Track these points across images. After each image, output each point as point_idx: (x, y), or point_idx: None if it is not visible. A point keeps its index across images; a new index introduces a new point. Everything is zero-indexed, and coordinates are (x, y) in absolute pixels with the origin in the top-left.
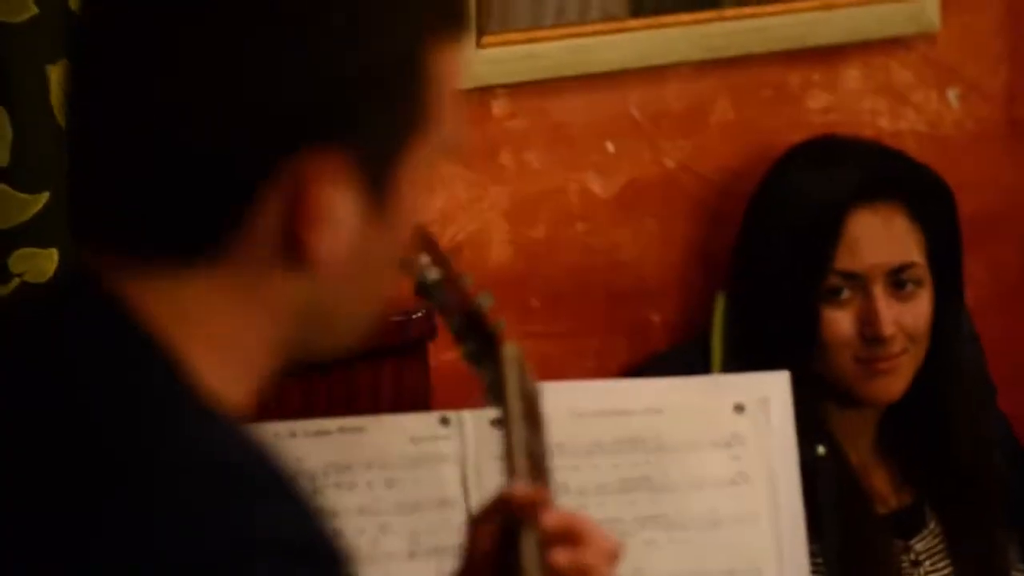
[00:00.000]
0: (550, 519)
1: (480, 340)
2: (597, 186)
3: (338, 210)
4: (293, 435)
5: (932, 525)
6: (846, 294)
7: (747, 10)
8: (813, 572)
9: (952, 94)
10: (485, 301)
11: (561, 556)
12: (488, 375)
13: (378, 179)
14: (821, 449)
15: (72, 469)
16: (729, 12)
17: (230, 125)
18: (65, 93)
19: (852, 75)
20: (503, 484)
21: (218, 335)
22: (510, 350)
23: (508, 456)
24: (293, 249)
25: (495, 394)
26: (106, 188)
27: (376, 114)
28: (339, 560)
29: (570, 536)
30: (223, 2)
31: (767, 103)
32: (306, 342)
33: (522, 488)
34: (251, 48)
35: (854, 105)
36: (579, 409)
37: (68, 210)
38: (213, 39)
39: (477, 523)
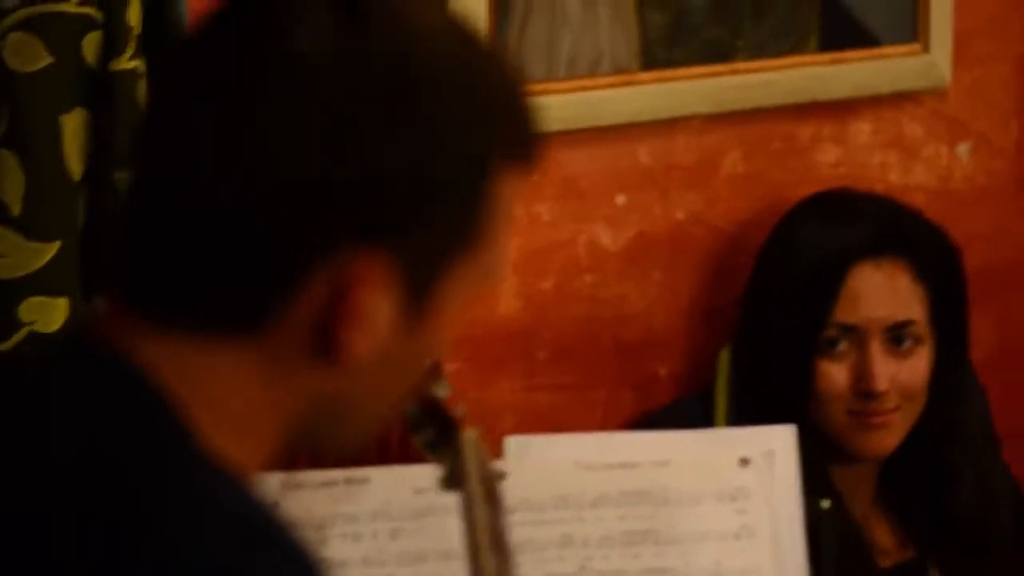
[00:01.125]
0: None
1: (438, 428)
2: (606, 238)
3: (376, 313)
4: (300, 486)
5: None
6: (843, 347)
7: (757, 64)
8: None
9: (962, 149)
10: (443, 390)
11: None
12: (447, 463)
13: (419, 289)
14: (826, 503)
15: (80, 523)
16: (740, 66)
17: (288, 214)
18: (133, 158)
19: (862, 129)
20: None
21: (232, 411)
22: (468, 436)
23: (471, 537)
24: (325, 342)
25: (455, 481)
26: (153, 253)
27: (431, 225)
28: None
29: None
30: (300, 93)
31: (777, 156)
32: (316, 432)
33: None
34: (320, 141)
35: (864, 159)
36: (585, 461)
37: (115, 263)
38: (284, 127)
39: None
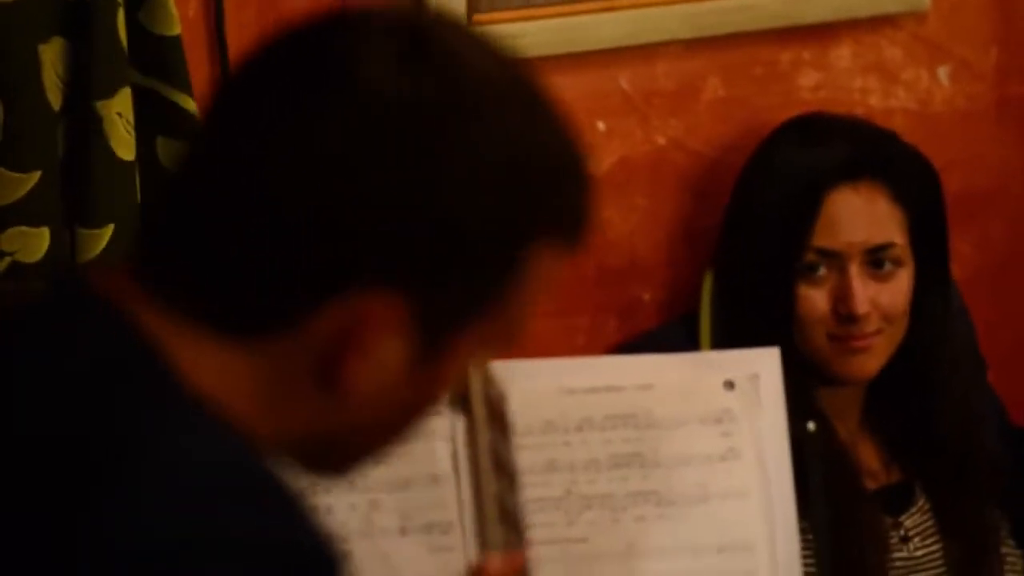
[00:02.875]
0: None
1: None
2: (592, 163)
3: (383, 353)
4: None
5: (921, 502)
6: (822, 272)
7: None
8: (803, 548)
9: (942, 72)
10: None
11: None
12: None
13: (432, 338)
14: (811, 425)
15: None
16: None
17: (318, 240)
18: (194, 147)
19: (842, 53)
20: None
21: (225, 394)
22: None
23: (474, 461)
24: (329, 372)
25: (459, 401)
26: (191, 243)
27: (455, 280)
28: (331, 565)
29: None
30: (355, 129)
31: (757, 81)
32: (304, 454)
33: (498, 564)
34: (364, 178)
35: (844, 83)
36: (569, 386)
37: (138, 233)
38: (334, 159)
39: None
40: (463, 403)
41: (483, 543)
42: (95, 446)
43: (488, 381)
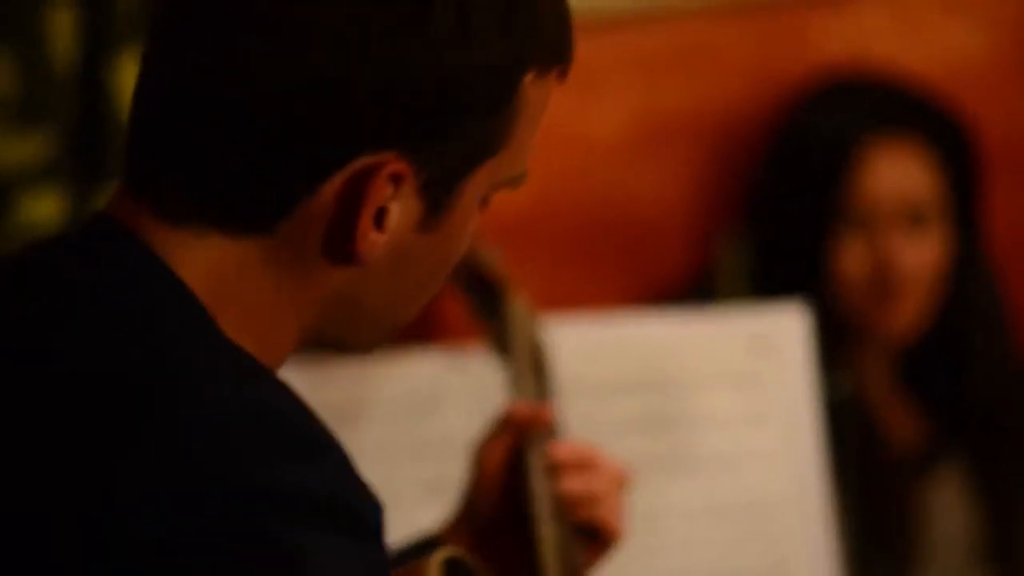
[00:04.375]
0: (558, 447)
1: (486, 294)
2: (611, 125)
3: (394, 214)
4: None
5: (952, 463)
6: (857, 227)
7: None
8: (833, 510)
9: (972, 26)
10: (493, 254)
11: (571, 481)
12: (494, 328)
13: (440, 191)
14: (843, 387)
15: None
16: None
17: (308, 112)
18: (146, 52)
19: (872, 10)
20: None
21: (248, 307)
22: (518, 304)
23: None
24: (341, 241)
25: (501, 347)
26: (178, 147)
27: (454, 130)
28: (372, 518)
29: (579, 463)
30: None
31: (783, 37)
32: (329, 331)
33: (525, 406)
34: (345, 40)
35: (873, 38)
36: (595, 346)
37: (125, 155)
38: (312, 26)
39: (483, 448)
40: (504, 349)
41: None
42: (138, 388)
43: (531, 328)
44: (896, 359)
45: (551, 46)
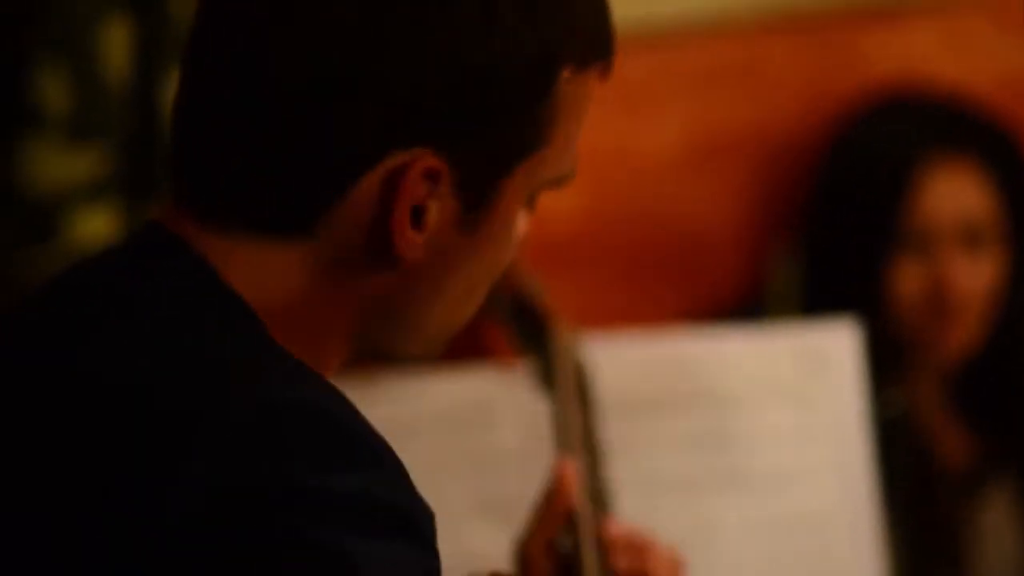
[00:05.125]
0: (612, 525)
1: (530, 325)
2: (662, 141)
3: (432, 213)
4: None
5: (1003, 484)
6: (914, 247)
7: None
8: (884, 528)
9: None
10: (536, 285)
11: (624, 562)
12: (538, 360)
13: (479, 189)
14: (895, 405)
15: (158, 410)
16: None
17: (340, 113)
18: (185, 57)
19: (924, 27)
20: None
21: (295, 312)
22: (562, 335)
23: (561, 437)
24: (381, 242)
25: (545, 378)
26: (215, 154)
27: (490, 127)
28: (425, 527)
29: (633, 543)
30: None
31: (834, 53)
32: (377, 336)
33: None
34: (374, 40)
35: (925, 55)
36: (646, 363)
37: (169, 167)
38: (340, 24)
39: (527, 543)
40: (548, 381)
41: None
42: (193, 393)
43: (575, 355)
44: (948, 379)
45: (586, 40)
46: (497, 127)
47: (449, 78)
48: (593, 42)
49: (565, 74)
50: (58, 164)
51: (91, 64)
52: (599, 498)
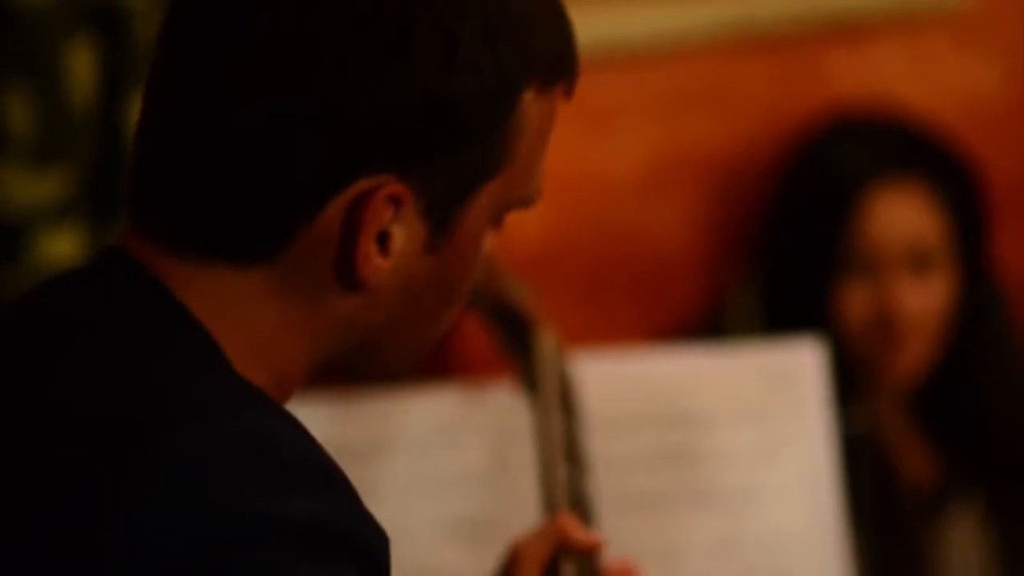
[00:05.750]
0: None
1: (515, 328)
2: (627, 162)
3: (397, 238)
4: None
5: (967, 502)
6: (863, 270)
7: None
8: (848, 546)
9: (987, 64)
10: (522, 289)
11: None
12: (523, 363)
13: (443, 212)
14: (858, 424)
15: (111, 435)
16: None
17: (299, 139)
18: (146, 82)
19: (887, 47)
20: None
21: (256, 337)
22: (547, 339)
23: (543, 445)
24: (345, 268)
25: (529, 382)
26: (175, 180)
27: (452, 150)
28: (378, 551)
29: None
30: (325, 11)
31: (799, 74)
32: (344, 360)
33: (581, 530)
34: (333, 65)
35: (888, 76)
36: (610, 382)
37: (129, 192)
38: (297, 51)
39: (522, 546)
40: (532, 385)
41: None
42: (141, 420)
43: (559, 363)
44: (906, 399)
45: (548, 62)
46: (460, 151)
47: (409, 107)
48: (556, 63)
49: (528, 95)
50: (24, 186)
51: (56, 86)
52: (581, 509)
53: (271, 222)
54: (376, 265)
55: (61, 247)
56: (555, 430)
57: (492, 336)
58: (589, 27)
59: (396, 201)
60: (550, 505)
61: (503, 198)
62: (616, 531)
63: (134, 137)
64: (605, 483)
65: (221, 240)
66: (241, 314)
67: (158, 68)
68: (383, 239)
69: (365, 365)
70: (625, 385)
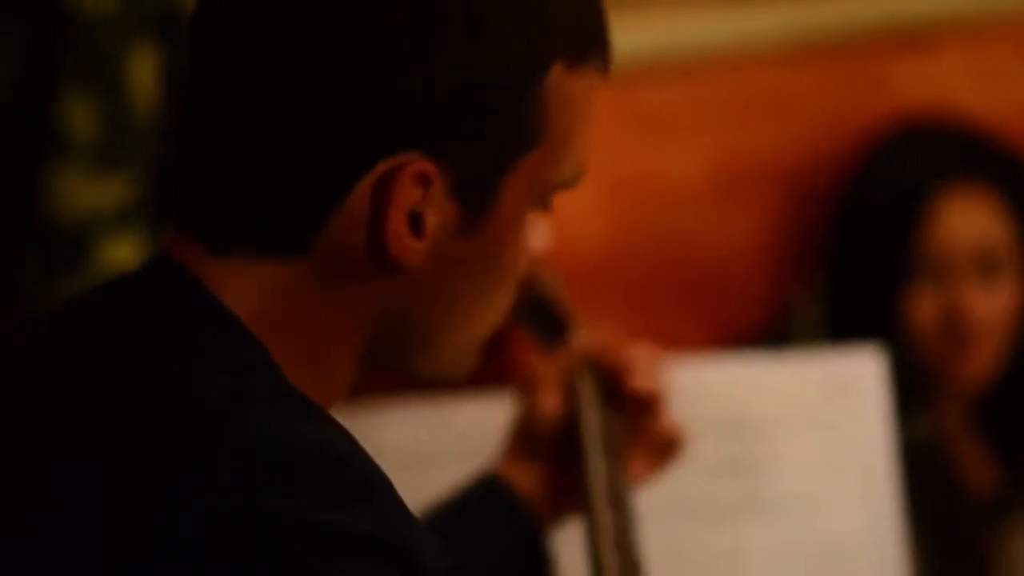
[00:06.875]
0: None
1: (550, 325)
2: (688, 170)
3: (429, 219)
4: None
5: None
6: (930, 276)
7: None
8: (909, 556)
9: None
10: (555, 284)
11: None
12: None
13: (475, 193)
14: (921, 432)
15: (166, 446)
16: None
17: (337, 117)
18: (182, 83)
19: (950, 55)
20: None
21: (300, 332)
22: (586, 382)
23: (586, 490)
24: (378, 252)
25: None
26: (210, 177)
27: (480, 128)
28: (422, 561)
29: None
30: (336, 3)
31: (861, 82)
32: (389, 353)
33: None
34: (354, 48)
35: (952, 84)
36: (672, 389)
37: (174, 195)
38: (322, 38)
39: (542, 363)
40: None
41: (590, 527)
42: (182, 426)
43: (601, 404)
44: (971, 405)
45: (575, 36)
46: (485, 127)
47: (432, 84)
48: (583, 37)
49: (556, 69)
50: (86, 192)
51: (119, 92)
52: (622, 504)
53: (301, 210)
54: (409, 246)
55: (123, 254)
56: (592, 426)
57: (527, 334)
58: (653, 33)
59: (424, 180)
60: (591, 497)
61: (541, 178)
62: (675, 538)
63: (174, 139)
64: (664, 490)
65: (256, 234)
66: (284, 308)
67: (189, 67)
68: (416, 221)
69: (411, 359)
70: (686, 392)
